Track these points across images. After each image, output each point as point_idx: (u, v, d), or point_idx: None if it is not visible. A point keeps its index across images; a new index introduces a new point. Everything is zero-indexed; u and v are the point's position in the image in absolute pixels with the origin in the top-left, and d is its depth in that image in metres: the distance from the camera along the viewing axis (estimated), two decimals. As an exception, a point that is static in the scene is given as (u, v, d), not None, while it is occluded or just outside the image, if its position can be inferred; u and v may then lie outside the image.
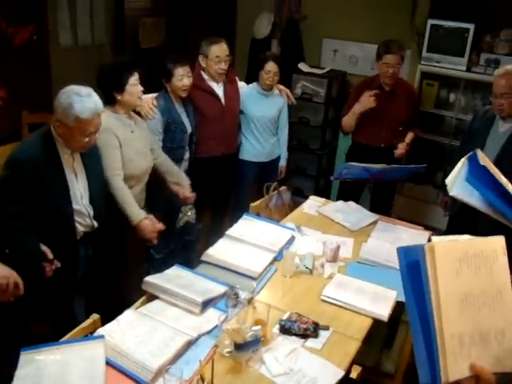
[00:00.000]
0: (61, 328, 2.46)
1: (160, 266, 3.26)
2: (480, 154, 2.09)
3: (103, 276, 2.85)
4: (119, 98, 2.73)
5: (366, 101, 3.56)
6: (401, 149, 3.71)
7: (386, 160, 3.45)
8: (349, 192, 3.70)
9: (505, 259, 1.06)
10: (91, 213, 2.55)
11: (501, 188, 1.97)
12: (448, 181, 2.19)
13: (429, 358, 1.01)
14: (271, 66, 3.64)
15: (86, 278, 2.67)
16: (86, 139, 2.34)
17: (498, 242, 1.07)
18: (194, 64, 3.50)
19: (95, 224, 2.57)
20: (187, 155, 3.42)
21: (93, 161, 2.57)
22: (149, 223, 2.75)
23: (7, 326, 2.50)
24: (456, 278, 1.02)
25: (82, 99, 2.25)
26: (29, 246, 2.36)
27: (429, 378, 1.02)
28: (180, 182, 3.18)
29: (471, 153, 2.14)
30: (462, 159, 2.18)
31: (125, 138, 2.77)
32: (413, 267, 1.03)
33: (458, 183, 2.13)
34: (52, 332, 2.62)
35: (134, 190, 2.89)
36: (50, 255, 2.38)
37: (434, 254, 1.00)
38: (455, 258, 1.02)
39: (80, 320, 2.47)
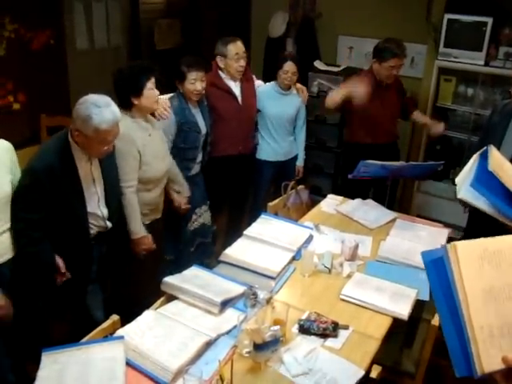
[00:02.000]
0: (78, 324, 2.55)
1: (171, 269, 3.28)
2: (492, 151, 2.05)
3: (119, 275, 2.90)
4: (136, 102, 2.73)
5: (361, 91, 3.46)
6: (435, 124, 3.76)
7: (386, 157, 3.43)
8: (356, 189, 3.65)
9: None
10: (106, 214, 2.59)
11: (508, 193, 1.94)
12: (458, 181, 2.16)
13: (462, 350, 1.04)
14: (290, 66, 3.65)
15: (100, 274, 2.72)
16: (105, 148, 2.38)
17: None
18: (209, 65, 3.51)
19: (108, 225, 2.62)
20: (200, 156, 3.41)
21: (110, 164, 2.59)
22: (145, 241, 2.84)
23: (30, 325, 2.53)
24: (479, 273, 1.05)
25: (101, 110, 2.25)
26: (45, 257, 2.45)
27: (464, 370, 1.04)
28: (181, 191, 3.19)
29: (483, 149, 2.11)
30: (474, 156, 2.15)
31: (143, 142, 2.77)
32: (438, 263, 1.07)
33: (464, 187, 2.11)
34: (70, 330, 2.68)
35: (152, 193, 2.89)
36: (63, 269, 2.47)
37: (456, 252, 1.04)
38: (476, 256, 1.06)
39: (96, 315, 2.59)
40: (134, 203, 2.76)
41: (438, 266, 1.08)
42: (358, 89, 3.48)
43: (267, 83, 3.85)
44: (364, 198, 3.46)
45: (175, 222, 3.34)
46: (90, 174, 2.48)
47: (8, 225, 2.33)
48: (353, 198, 3.39)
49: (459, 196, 2.13)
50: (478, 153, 2.14)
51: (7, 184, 2.29)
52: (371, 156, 3.35)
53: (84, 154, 2.41)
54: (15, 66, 3.86)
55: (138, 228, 2.79)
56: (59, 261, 2.46)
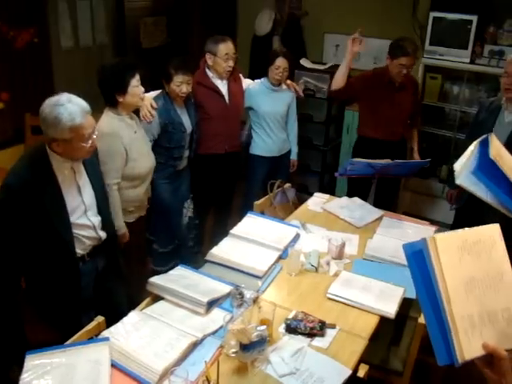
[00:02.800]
0: (64, 327, 2.44)
1: (166, 261, 3.33)
2: (492, 139, 2.07)
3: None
4: (121, 99, 2.72)
5: (351, 47, 3.55)
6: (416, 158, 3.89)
7: (394, 154, 3.44)
8: (358, 189, 3.68)
9: (502, 244, 1.14)
10: (96, 224, 2.41)
11: (509, 183, 1.95)
12: (456, 166, 2.16)
13: (444, 339, 1.08)
14: (281, 62, 3.65)
15: (96, 292, 2.54)
16: (89, 142, 2.23)
17: (494, 229, 1.15)
18: (196, 64, 3.49)
19: (102, 235, 2.45)
20: (187, 153, 3.42)
21: (94, 168, 2.46)
22: (126, 236, 2.88)
23: (11, 329, 2.48)
24: (459, 264, 1.10)
25: (66, 107, 2.11)
26: (9, 280, 2.35)
27: (446, 359, 1.08)
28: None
29: (484, 136, 2.11)
30: (474, 143, 2.15)
31: (129, 139, 2.77)
32: (417, 255, 1.11)
33: (464, 173, 2.12)
34: (59, 338, 2.61)
35: (138, 190, 2.89)
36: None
37: (435, 245, 1.08)
38: (456, 247, 1.10)
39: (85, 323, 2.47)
40: (118, 200, 2.78)
41: (418, 259, 1.11)
42: (355, 49, 3.56)
43: (257, 80, 3.84)
44: (364, 196, 3.49)
45: (167, 217, 3.35)
46: (74, 183, 2.31)
47: None
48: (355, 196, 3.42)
49: (458, 182, 2.14)
50: (478, 140, 2.15)
51: None
52: (377, 151, 3.41)
53: (67, 162, 2.24)
54: (-2, 64, 3.82)
55: (120, 223, 2.82)
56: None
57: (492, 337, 1.08)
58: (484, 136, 2.12)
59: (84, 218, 2.36)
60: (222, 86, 3.55)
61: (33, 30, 3.99)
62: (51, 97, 2.16)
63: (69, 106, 2.12)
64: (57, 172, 2.23)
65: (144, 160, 2.88)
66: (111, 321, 2.11)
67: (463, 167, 2.12)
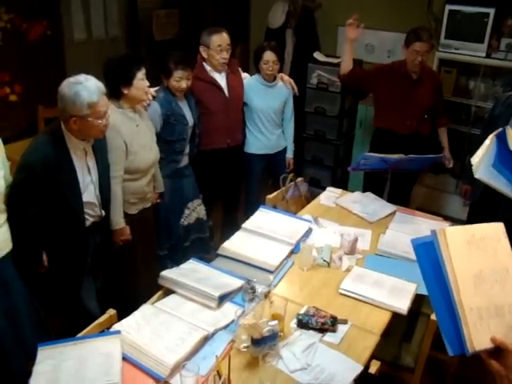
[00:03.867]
0: (75, 317, 2.53)
1: (166, 264, 3.26)
2: (509, 132, 2.05)
3: (112, 267, 2.91)
4: (126, 92, 2.70)
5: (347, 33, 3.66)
6: (448, 159, 3.88)
7: (410, 147, 3.41)
8: (373, 184, 3.65)
9: (506, 241, 1.18)
10: (100, 202, 2.60)
11: None
12: (474, 161, 2.14)
13: (455, 330, 1.11)
14: (269, 56, 3.57)
15: (94, 264, 2.72)
16: (104, 121, 2.36)
17: (499, 227, 1.19)
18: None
19: (103, 213, 2.64)
20: (188, 148, 3.35)
21: (102, 151, 2.60)
22: (124, 233, 2.84)
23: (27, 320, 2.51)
24: (468, 258, 1.13)
25: (84, 85, 2.26)
26: (36, 250, 2.47)
27: (457, 349, 1.11)
28: (156, 186, 3.15)
29: (500, 129, 2.10)
30: (490, 136, 2.13)
31: (130, 133, 2.75)
32: (427, 246, 1.14)
33: (483, 166, 2.10)
34: (67, 324, 2.66)
35: (140, 183, 2.87)
36: (46, 262, 2.49)
37: (445, 237, 1.12)
38: (464, 241, 1.14)
39: (90, 306, 2.63)
40: (118, 194, 2.76)
41: (427, 249, 1.15)
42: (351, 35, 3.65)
43: (252, 76, 3.77)
44: (380, 192, 3.47)
45: (166, 217, 3.32)
46: (85, 163, 2.48)
47: (4, 218, 2.30)
48: (369, 191, 3.41)
49: (477, 176, 2.13)
50: (494, 133, 2.13)
51: (1, 179, 2.25)
52: (392, 144, 3.40)
53: (80, 143, 2.40)
54: (12, 57, 3.84)
55: (118, 219, 2.80)
56: (44, 257, 2.49)
57: (499, 330, 1.10)
58: (500, 129, 2.09)
59: (93, 196, 2.55)
60: (221, 79, 3.49)
61: (46, 23, 4.01)
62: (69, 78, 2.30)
63: (87, 84, 2.28)
64: (71, 151, 2.39)
65: (145, 154, 2.85)
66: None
67: (481, 161, 2.11)
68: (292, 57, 5.15)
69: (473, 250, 1.13)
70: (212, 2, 5.34)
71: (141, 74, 2.72)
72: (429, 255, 1.14)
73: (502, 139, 2.07)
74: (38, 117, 4.07)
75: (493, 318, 1.11)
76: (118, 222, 2.80)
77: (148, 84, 2.80)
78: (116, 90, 2.69)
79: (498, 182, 2.09)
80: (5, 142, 2.39)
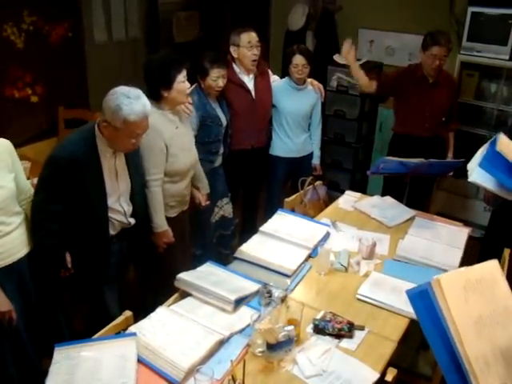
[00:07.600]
0: (93, 319, 2.50)
1: (201, 262, 3.27)
2: (501, 136, 2.08)
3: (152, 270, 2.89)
4: (166, 94, 2.65)
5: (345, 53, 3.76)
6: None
7: (429, 150, 3.38)
8: (393, 188, 3.62)
9: (503, 279, 1.18)
10: (128, 211, 2.51)
11: None
12: (469, 167, 2.18)
13: (463, 382, 1.07)
14: (299, 60, 3.58)
15: (118, 272, 2.67)
16: (133, 141, 2.30)
17: (494, 265, 1.19)
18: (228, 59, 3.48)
19: (131, 221, 2.54)
20: (222, 148, 3.41)
21: (135, 159, 2.53)
22: (167, 235, 2.79)
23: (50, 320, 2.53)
24: (466, 304, 1.10)
25: (131, 101, 2.20)
26: (59, 251, 2.40)
27: None
28: (201, 188, 3.14)
29: (494, 137, 2.15)
30: (485, 144, 2.17)
31: (170, 135, 2.71)
32: (423, 295, 1.12)
33: (476, 170, 2.13)
34: (85, 324, 2.67)
35: (178, 186, 2.84)
36: (69, 264, 2.42)
37: (440, 285, 1.09)
38: (460, 287, 1.12)
39: (112, 312, 2.51)
40: (159, 197, 2.72)
41: (423, 298, 1.12)
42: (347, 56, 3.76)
43: (282, 79, 3.79)
44: (399, 196, 3.44)
45: (200, 217, 3.33)
46: (113, 168, 2.40)
47: (19, 220, 2.29)
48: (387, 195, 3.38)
49: (470, 179, 2.17)
50: (489, 141, 2.17)
51: (11, 182, 2.23)
52: (411, 148, 3.38)
53: (109, 147, 2.34)
54: (33, 58, 3.88)
55: (161, 221, 2.74)
56: (68, 257, 2.41)
57: (509, 374, 1.08)
58: (494, 137, 2.14)
59: (117, 203, 2.45)
60: (249, 82, 3.52)
61: (67, 25, 4.05)
62: (124, 86, 2.26)
63: (134, 103, 2.21)
64: (101, 153, 2.34)
65: (184, 156, 2.82)
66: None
67: (475, 166, 2.13)
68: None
69: (470, 296, 1.11)
70: (232, 4, 5.35)
71: (181, 77, 2.64)
72: (426, 305, 1.12)
73: (493, 143, 2.10)
74: (59, 118, 4.11)
75: (500, 362, 1.08)
76: (162, 224, 2.74)
77: (189, 86, 2.73)
78: (156, 92, 2.63)
79: (489, 183, 2.11)
80: (26, 143, 2.41)
